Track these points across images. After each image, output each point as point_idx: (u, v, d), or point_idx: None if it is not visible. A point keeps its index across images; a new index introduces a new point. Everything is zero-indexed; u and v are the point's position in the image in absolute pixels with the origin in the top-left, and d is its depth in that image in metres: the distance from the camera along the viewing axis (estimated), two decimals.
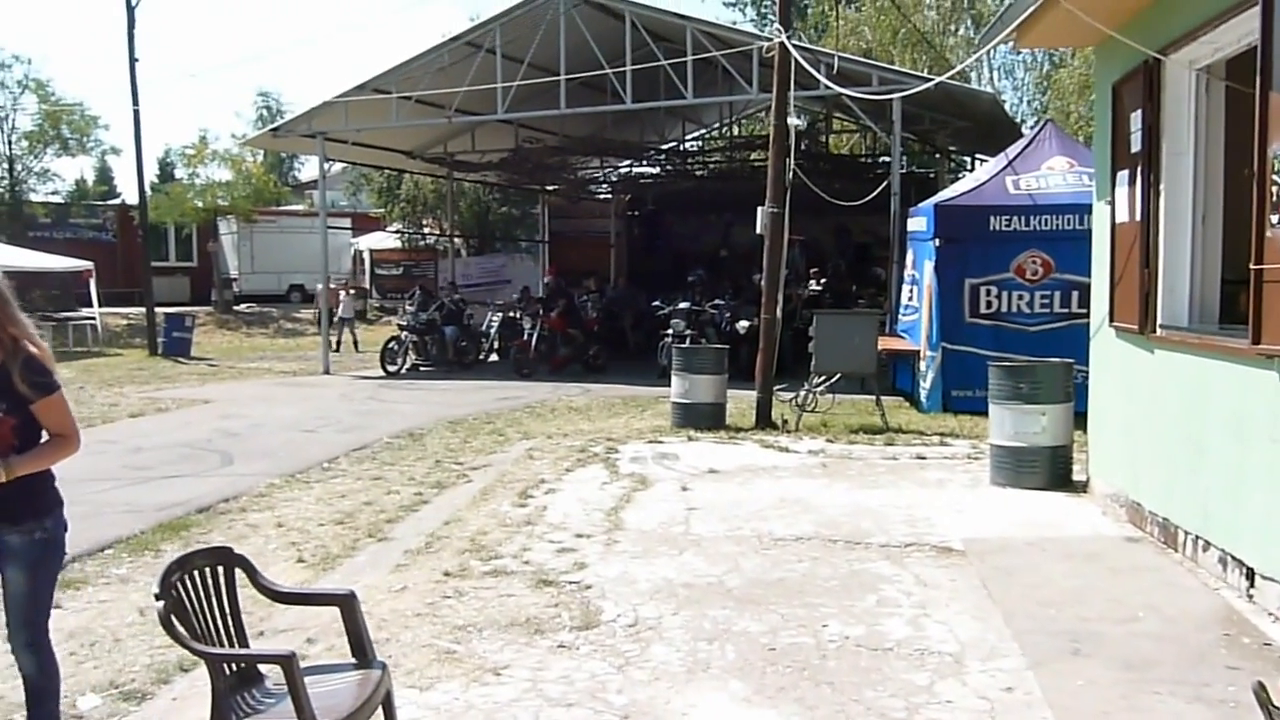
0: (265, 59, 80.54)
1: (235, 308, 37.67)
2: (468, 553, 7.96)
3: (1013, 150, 15.80)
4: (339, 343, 28.69)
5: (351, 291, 29.46)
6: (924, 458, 11.50)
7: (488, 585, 7.11)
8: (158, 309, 28.93)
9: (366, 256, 39.75)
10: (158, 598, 3.88)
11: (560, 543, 8.18)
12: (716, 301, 20.82)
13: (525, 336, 21.97)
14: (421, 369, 22.91)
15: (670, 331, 19.78)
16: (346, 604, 4.44)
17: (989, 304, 14.45)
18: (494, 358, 24.26)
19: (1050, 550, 7.52)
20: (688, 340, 18.69)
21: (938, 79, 14.20)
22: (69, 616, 6.80)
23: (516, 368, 21.56)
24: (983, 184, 15.29)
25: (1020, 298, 14.30)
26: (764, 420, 13.92)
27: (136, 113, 28.45)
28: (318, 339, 31.34)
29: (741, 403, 14.52)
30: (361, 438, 13.92)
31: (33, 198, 38.56)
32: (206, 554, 4.34)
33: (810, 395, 14.17)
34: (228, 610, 4.26)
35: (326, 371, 23.19)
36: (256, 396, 19.11)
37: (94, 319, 30.28)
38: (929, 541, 7.94)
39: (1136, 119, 8.13)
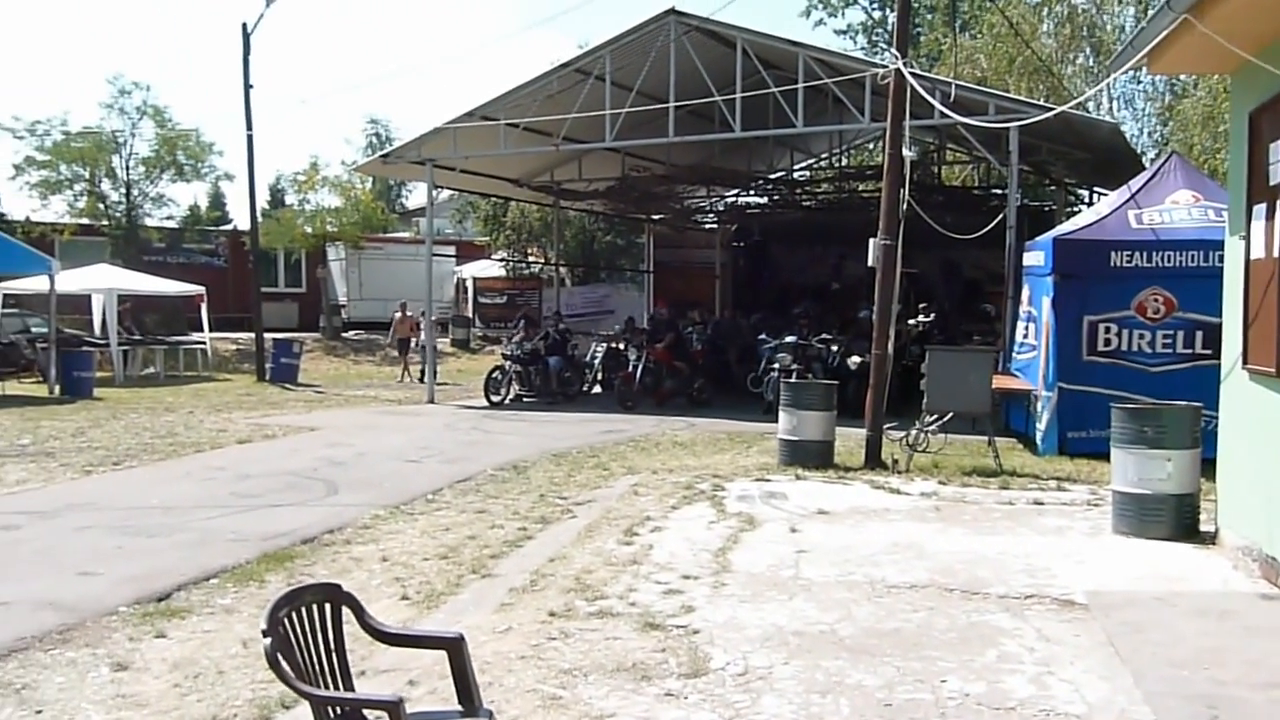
0: (375, 85, 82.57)
1: (343, 334, 38.17)
2: (573, 592, 7.90)
3: (1135, 183, 15.35)
4: (404, 370, 29.48)
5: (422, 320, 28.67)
6: (1041, 503, 11.17)
7: (593, 627, 7.04)
8: (266, 334, 29.47)
9: (470, 285, 40.16)
10: (265, 634, 3.86)
11: (667, 584, 8.07)
12: (824, 336, 20.63)
13: (630, 369, 21.95)
14: (525, 399, 23.02)
15: (777, 366, 19.63)
16: (454, 648, 4.40)
17: (1108, 342, 14.04)
18: (597, 389, 24.31)
19: (1180, 606, 7.21)
20: (794, 375, 18.51)
21: (1058, 108, 13.90)
22: (174, 646, 6.91)
23: (620, 400, 21.54)
24: (1103, 218, 14.89)
25: (1141, 336, 13.88)
26: (873, 459, 13.69)
27: (250, 138, 28.97)
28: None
29: (849, 441, 14.33)
30: (465, 469, 13.98)
31: (148, 222, 39.44)
32: (315, 590, 4.32)
33: (921, 435, 13.88)
34: (333, 649, 4.24)
35: (431, 401, 23.37)
36: (362, 425, 19.30)
37: (204, 343, 30.89)
38: (1050, 593, 7.67)
39: (1277, 149, 7.82)
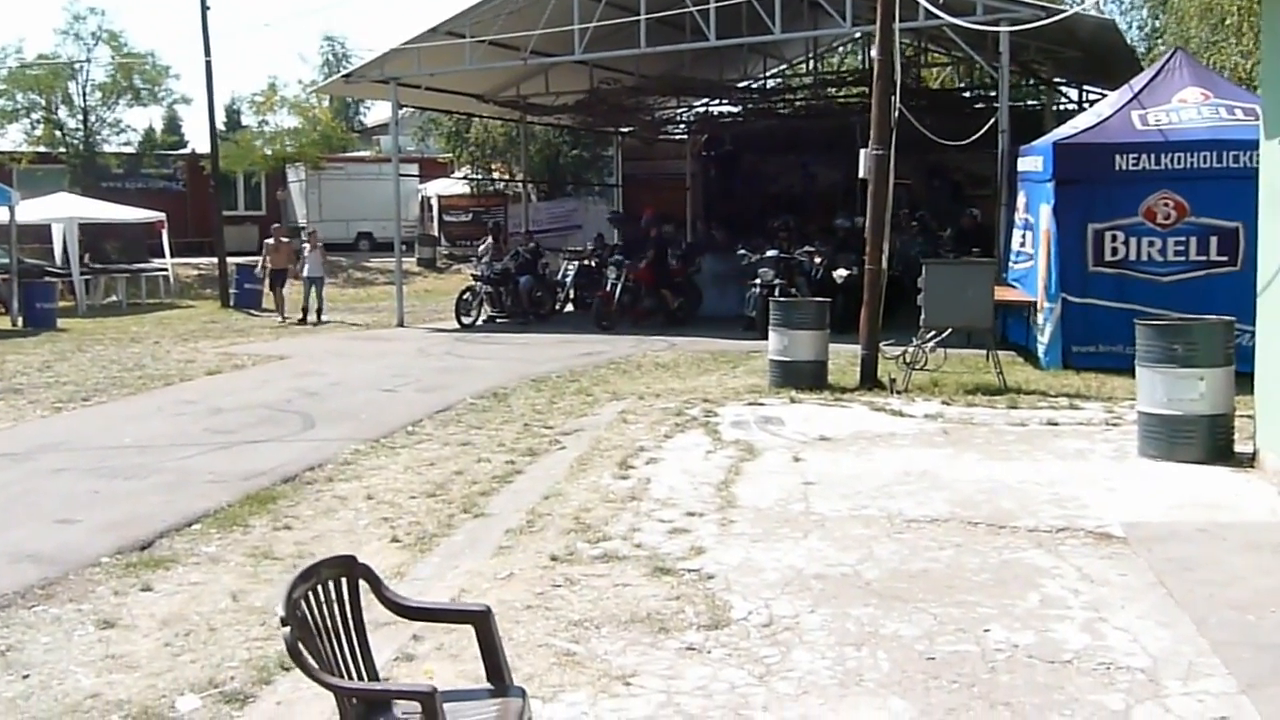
0: (336, 8, 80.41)
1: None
2: (573, 533, 7.63)
3: (1137, 82, 14.92)
4: (279, 308, 25.23)
5: (319, 246, 25.23)
6: (1056, 423, 10.84)
7: (599, 573, 6.76)
8: (229, 259, 29.07)
9: (435, 203, 39.64)
10: (284, 622, 3.54)
11: (671, 522, 7.79)
12: (807, 248, 20.20)
13: (609, 287, 21.53)
14: (497, 321, 22.73)
15: (758, 281, 19.31)
16: (482, 621, 4.10)
17: (1114, 251, 13.66)
18: (569, 308, 24.04)
19: (1229, 539, 6.87)
20: (777, 291, 18.17)
21: (1056, 13, 13.37)
22: (161, 600, 6.71)
23: (597, 320, 21.23)
24: (1105, 120, 14.44)
25: (1151, 244, 13.49)
26: (870, 380, 13.33)
27: (209, 63, 28.73)
28: (386, 289, 31.53)
29: (840, 359, 14.03)
30: (444, 398, 13.74)
31: (106, 149, 38.99)
32: (330, 565, 3.98)
33: (920, 352, 13.54)
34: (353, 629, 3.93)
35: (401, 324, 23.05)
36: (332, 352, 19.05)
37: (166, 270, 30.52)
38: (1083, 525, 7.37)
39: None
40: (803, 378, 13.18)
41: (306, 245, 25.27)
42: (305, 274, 24.66)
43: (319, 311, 24.40)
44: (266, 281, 25.70)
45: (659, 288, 21.86)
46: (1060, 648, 5.37)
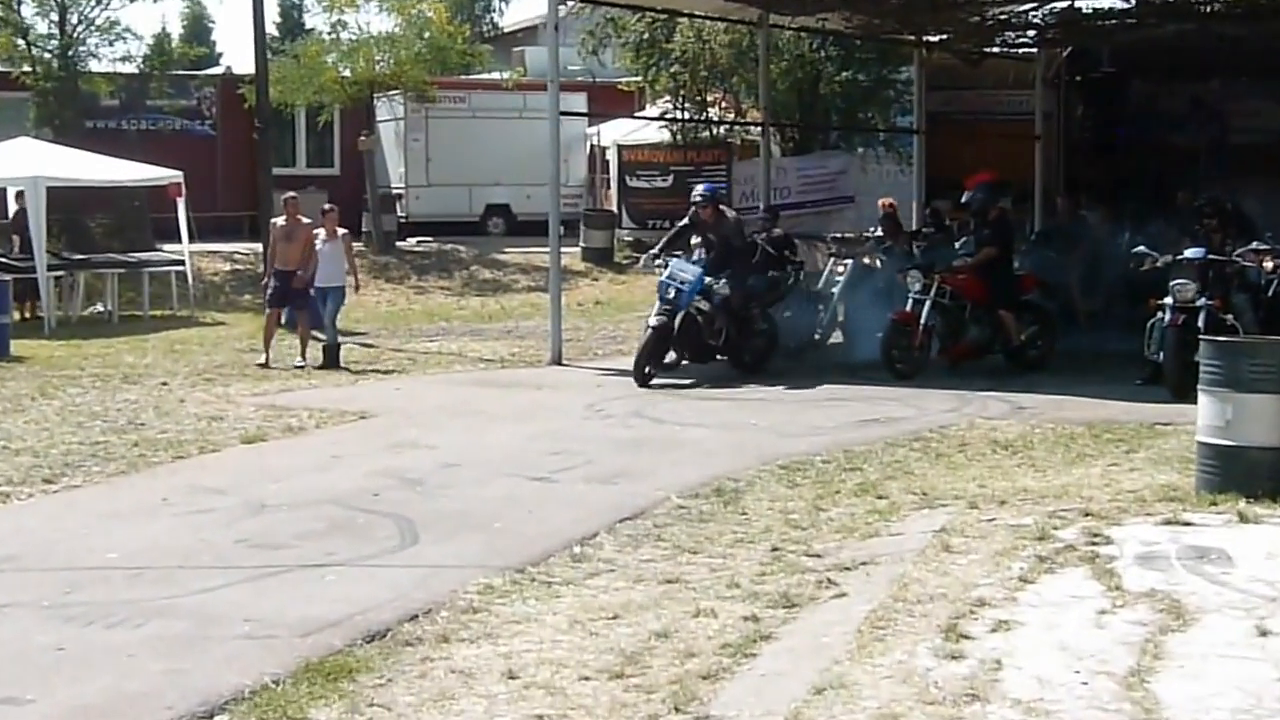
0: None
1: (400, 244, 38.31)
2: None
3: None
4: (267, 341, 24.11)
5: (339, 234, 24.13)
6: None
7: None
8: None
9: (613, 158, 40.23)
10: None
11: None
12: (1255, 245, 19.82)
13: (909, 305, 21.37)
14: (717, 358, 22.50)
15: (1171, 301, 18.76)
16: None
17: None
18: (837, 337, 24.21)
19: None
20: (1203, 318, 18.01)
21: None
22: None
23: (887, 360, 21.15)
24: None
25: None
26: None
27: None
28: (532, 298, 32.13)
29: None
30: (632, 494, 13.66)
31: (93, 68, 39.56)
32: None
33: None
34: None
35: (557, 361, 23.03)
36: (445, 406, 19.25)
37: (183, 262, 30.89)
38: None
39: None
40: (1261, 475, 12.59)
41: (320, 232, 24.16)
42: (315, 280, 23.99)
43: (328, 350, 23.81)
44: (268, 291, 24.99)
45: (994, 307, 21.68)
46: None
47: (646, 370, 20.90)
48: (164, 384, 20.81)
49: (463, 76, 42.09)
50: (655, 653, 9.03)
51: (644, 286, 27.96)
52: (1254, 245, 19.83)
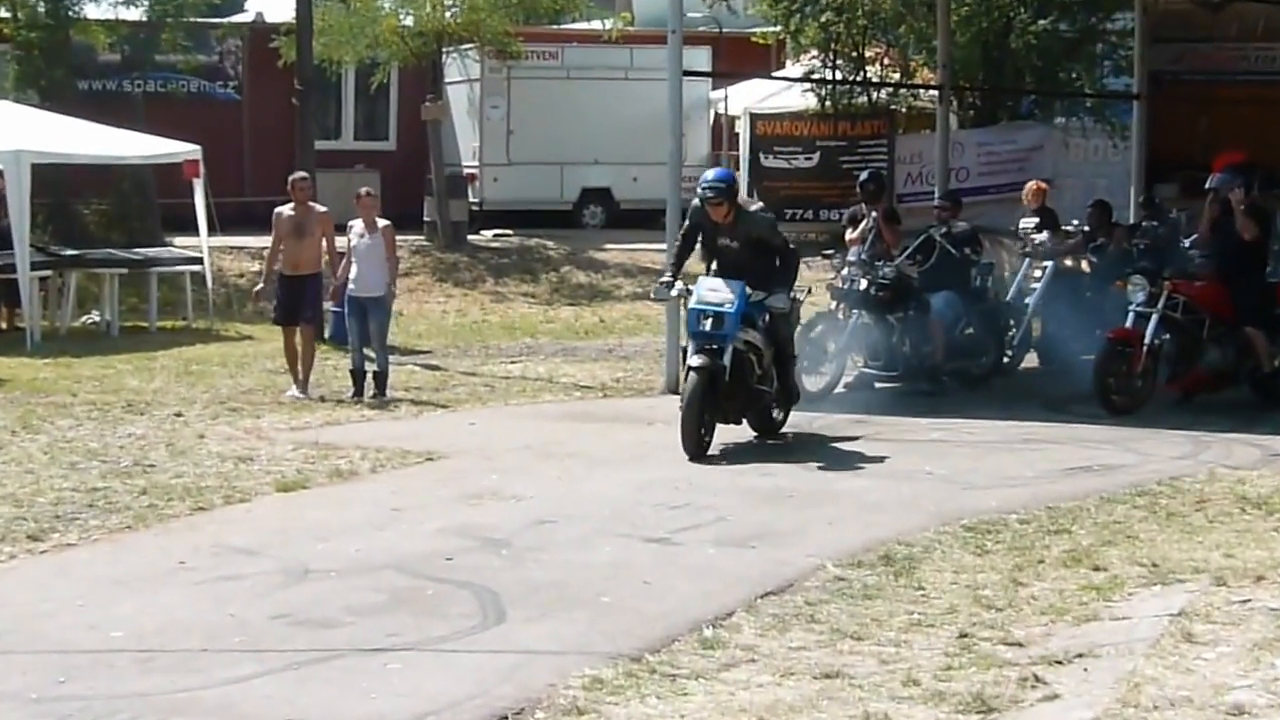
0: None
1: (473, 238, 37.21)
2: None
3: None
4: (295, 361, 21.06)
5: (379, 225, 20.90)
6: None
7: None
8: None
9: (743, 128, 38.45)
10: None
11: None
12: None
13: (1129, 322, 19.72)
14: (876, 384, 21.28)
15: None
16: None
17: None
18: (1032, 358, 23.27)
19: None
20: None
21: None
22: None
23: (1102, 389, 19.48)
24: None
25: None
26: None
27: None
28: (638, 308, 30.86)
29: None
30: (776, 561, 12.78)
31: (89, 14, 38.15)
32: None
33: None
34: None
35: (674, 390, 20.62)
36: (533, 446, 17.89)
37: (200, 260, 29.41)
38: None
39: None
40: None
41: (355, 224, 20.98)
42: (350, 288, 20.73)
43: (379, 378, 20.74)
44: (272, 304, 21.99)
45: (1241, 323, 20.08)
46: None
47: (703, 435, 17.04)
48: (178, 415, 19.32)
49: (554, 27, 40.71)
50: None
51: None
52: None
